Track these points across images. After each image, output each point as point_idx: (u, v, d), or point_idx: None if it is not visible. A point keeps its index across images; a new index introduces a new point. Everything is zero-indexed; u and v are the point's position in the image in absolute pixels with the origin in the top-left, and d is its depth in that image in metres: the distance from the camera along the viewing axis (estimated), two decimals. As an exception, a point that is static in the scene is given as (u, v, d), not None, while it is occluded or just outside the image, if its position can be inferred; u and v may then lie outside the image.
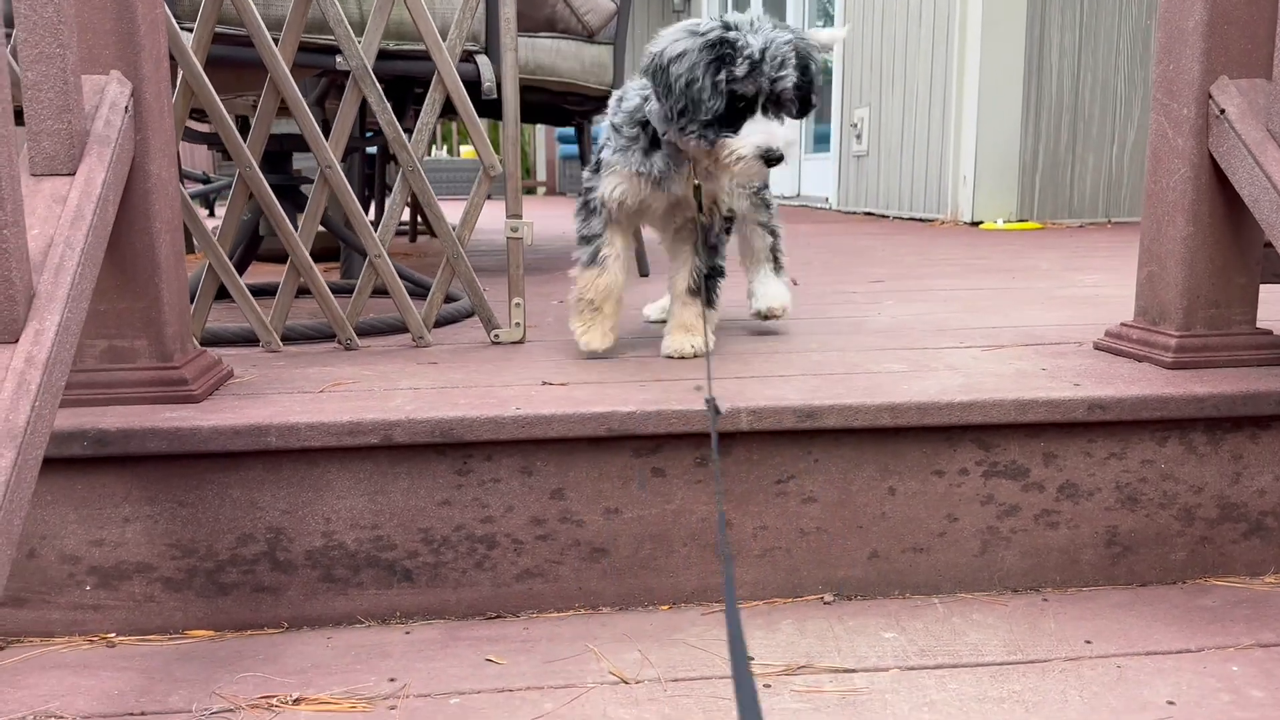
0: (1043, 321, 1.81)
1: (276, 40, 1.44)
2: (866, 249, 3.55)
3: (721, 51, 1.29)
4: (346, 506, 1.18)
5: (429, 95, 1.50)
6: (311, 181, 1.63)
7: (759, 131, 1.32)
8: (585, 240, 1.52)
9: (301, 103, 1.46)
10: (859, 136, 6.05)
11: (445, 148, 11.36)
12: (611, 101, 1.51)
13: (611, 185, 1.46)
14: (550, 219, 6.02)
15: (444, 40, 1.49)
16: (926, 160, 5.09)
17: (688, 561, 1.24)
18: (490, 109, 2.76)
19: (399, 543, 1.19)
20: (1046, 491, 1.27)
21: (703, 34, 1.31)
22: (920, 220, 5.13)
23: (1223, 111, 1.31)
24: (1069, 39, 4.57)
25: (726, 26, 1.32)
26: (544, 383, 1.33)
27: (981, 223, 4.65)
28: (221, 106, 1.44)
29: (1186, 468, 1.29)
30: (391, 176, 5.34)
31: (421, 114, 1.51)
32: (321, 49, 1.68)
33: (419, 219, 4.42)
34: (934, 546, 1.27)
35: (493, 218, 6.28)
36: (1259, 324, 1.43)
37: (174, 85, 1.42)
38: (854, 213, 6.20)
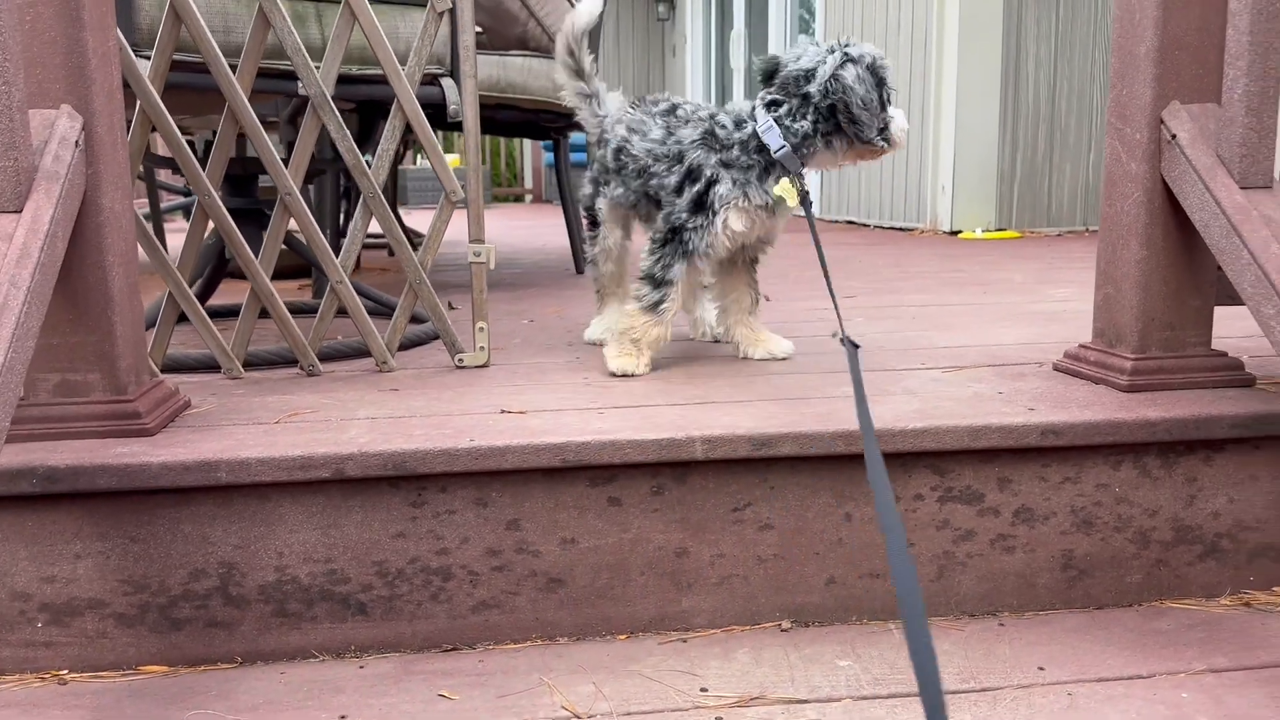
0: (1008, 340, 1.82)
1: (236, 67, 1.44)
2: (844, 260, 3.56)
3: (880, 71, 1.53)
4: (299, 540, 1.18)
5: (389, 122, 1.50)
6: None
7: (899, 116, 1.57)
8: (655, 283, 1.55)
9: (260, 131, 1.46)
10: (840, 145, 6.06)
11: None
12: (692, 136, 1.55)
13: (732, 220, 1.53)
14: (535, 229, 6.01)
15: (404, 67, 1.49)
16: (906, 170, 5.11)
17: (645, 590, 1.24)
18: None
19: (353, 576, 1.19)
20: (1002, 516, 1.28)
21: (857, 58, 1.52)
22: (900, 229, 5.15)
23: (1174, 137, 1.32)
24: (1044, 50, 4.59)
25: (849, 44, 1.54)
26: (502, 410, 1.33)
27: (960, 232, 4.66)
28: (180, 135, 1.43)
29: (1141, 491, 1.30)
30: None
31: (381, 141, 1.51)
32: (283, 74, 1.68)
33: (398, 232, 4.41)
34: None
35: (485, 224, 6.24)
36: (1214, 345, 1.44)
37: (134, 112, 1.42)
38: (836, 221, 6.21)
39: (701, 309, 1.90)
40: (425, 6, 1.49)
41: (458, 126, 2.73)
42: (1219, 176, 1.27)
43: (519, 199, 12.25)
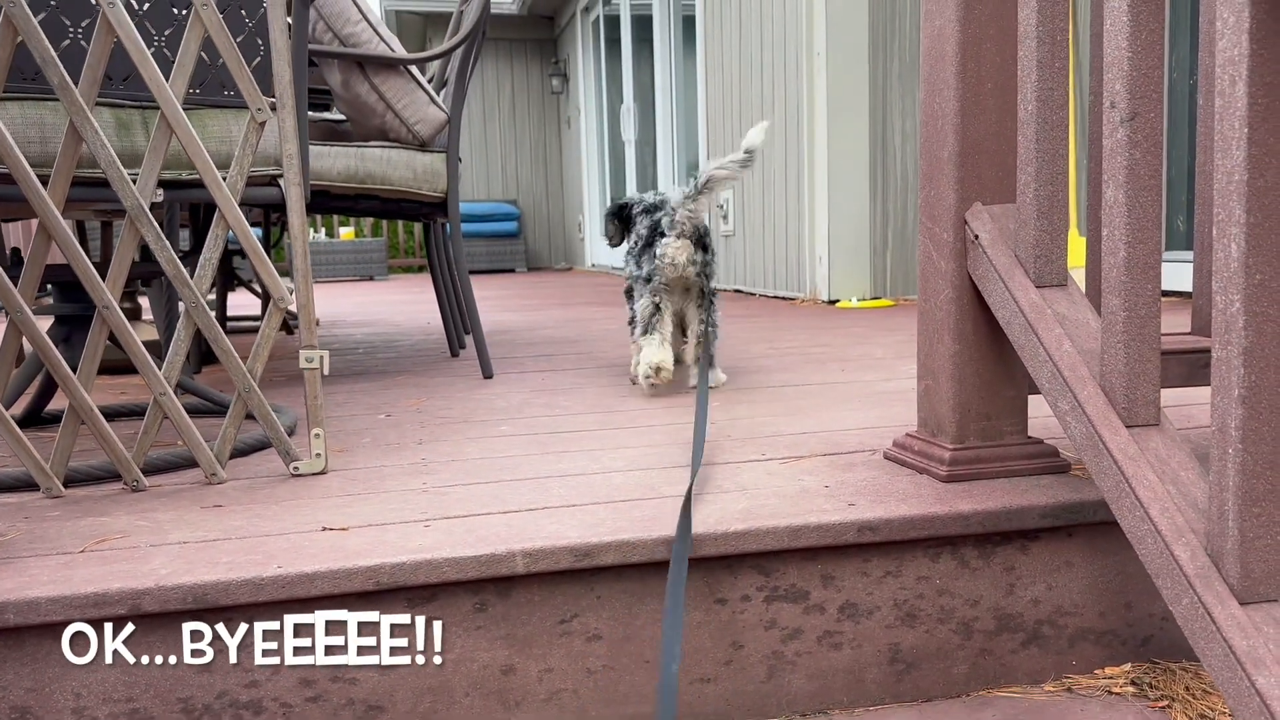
0: (851, 424, 1.86)
1: (47, 180, 1.41)
2: (721, 336, 3.60)
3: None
4: (98, 680, 1.12)
5: (211, 230, 1.48)
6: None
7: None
8: None
9: (74, 245, 1.42)
10: (725, 217, 6.20)
11: (323, 230, 11.21)
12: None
13: None
14: (424, 305, 5.95)
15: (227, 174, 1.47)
16: (786, 241, 5.24)
17: (470, 712, 1.21)
18: (331, 205, 2.75)
19: (157, 715, 1.13)
20: (827, 613, 1.29)
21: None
22: (783, 299, 5.26)
23: (977, 237, 1.38)
24: (910, 124, 4.78)
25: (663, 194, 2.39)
26: (324, 528, 1.30)
27: (838, 301, 4.78)
28: (-15, 250, 1.38)
29: (961, 582, 1.32)
30: (245, 271, 5.21)
31: (204, 249, 1.48)
32: (103, 182, 1.64)
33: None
34: (721, 675, 1.27)
35: (374, 299, 6.17)
36: (1039, 424, 1.49)
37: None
38: (724, 290, 6.33)
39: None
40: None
41: (333, 209, 2.71)
42: (1017, 276, 1.33)
43: (422, 269, 12.19)
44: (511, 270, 11.96)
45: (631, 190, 9.23)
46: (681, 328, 2.40)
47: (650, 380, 2.24)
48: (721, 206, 6.25)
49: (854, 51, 4.70)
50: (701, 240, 2.27)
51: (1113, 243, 1.15)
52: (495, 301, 6.14)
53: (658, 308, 2.26)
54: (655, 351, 2.25)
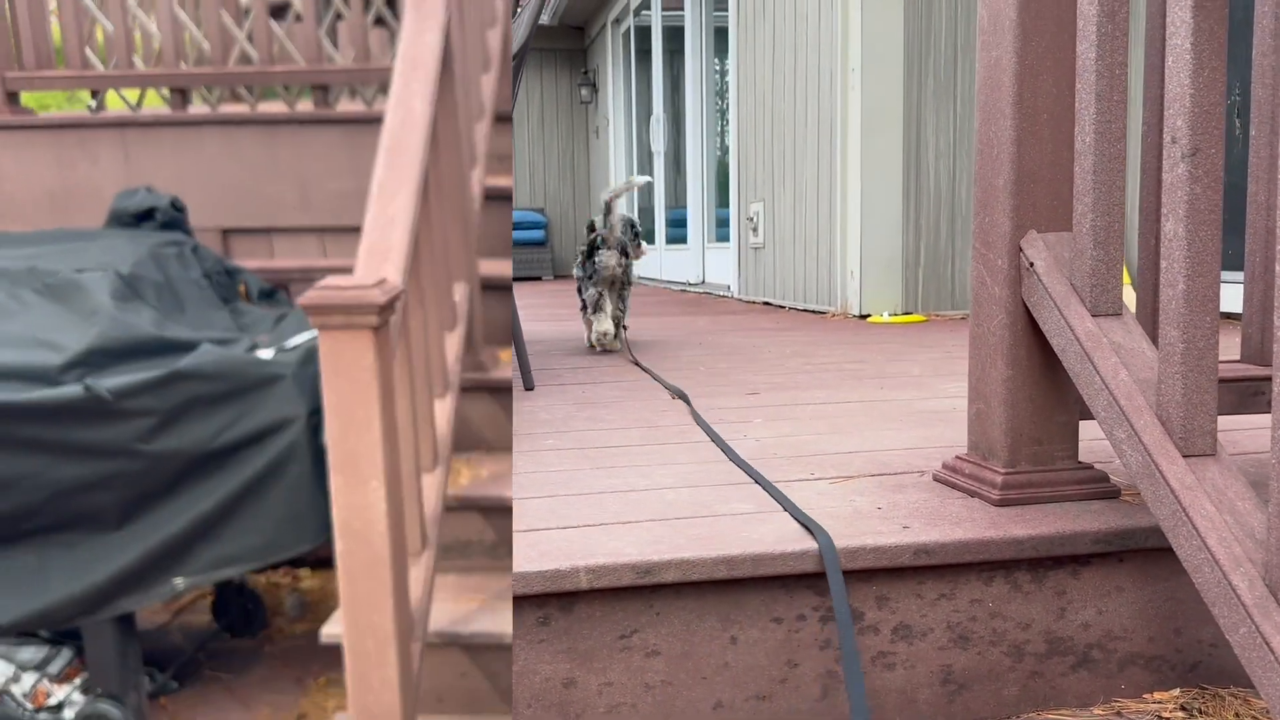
0: (896, 444, 1.88)
1: None
2: (755, 349, 3.63)
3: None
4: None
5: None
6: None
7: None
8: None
9: None
10: (755, 229, 6.23)
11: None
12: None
13: None
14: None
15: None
16: (817, 255, 5.25)
17: (531, 722, 1.24)
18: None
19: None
20: (881, 634, 1.31)
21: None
22: (814, 312, 5.27)
23: (1032, 265, 1.40)
24: (944, 140, 4.80)
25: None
26: (390, 540, 1.33)
27: (869, 316, 4.80)
28: None
29: (1013, 605, 1.34)
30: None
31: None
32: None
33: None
34: (776, 693, 1.30)
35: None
36: (1087, 448, 1.51)
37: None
38: (754, 302, 6.35)
39: None
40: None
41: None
42: (1073, 304, 1.35)
43: (445, 275, 12.27)
44: (538, 278, 12.03)
45: (660, 201, 9.27)
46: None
47: (601, 343, 3.51)
48: (752, 219, 6.28)
49: (889, 67, 4.73)
50: (624, 249, 3.40)
51: (1171, 275, 1.17)
52: (525, 310, 6.18)
53: (601, 295, 3.44)
54: (603, 322, 3.49)
